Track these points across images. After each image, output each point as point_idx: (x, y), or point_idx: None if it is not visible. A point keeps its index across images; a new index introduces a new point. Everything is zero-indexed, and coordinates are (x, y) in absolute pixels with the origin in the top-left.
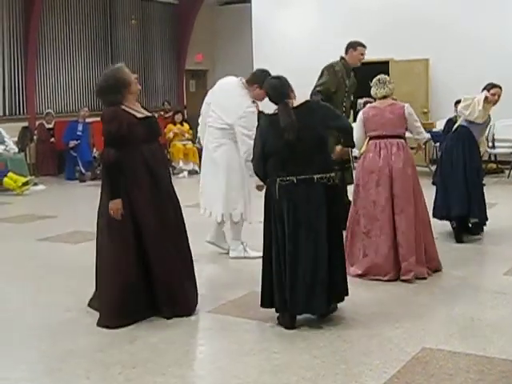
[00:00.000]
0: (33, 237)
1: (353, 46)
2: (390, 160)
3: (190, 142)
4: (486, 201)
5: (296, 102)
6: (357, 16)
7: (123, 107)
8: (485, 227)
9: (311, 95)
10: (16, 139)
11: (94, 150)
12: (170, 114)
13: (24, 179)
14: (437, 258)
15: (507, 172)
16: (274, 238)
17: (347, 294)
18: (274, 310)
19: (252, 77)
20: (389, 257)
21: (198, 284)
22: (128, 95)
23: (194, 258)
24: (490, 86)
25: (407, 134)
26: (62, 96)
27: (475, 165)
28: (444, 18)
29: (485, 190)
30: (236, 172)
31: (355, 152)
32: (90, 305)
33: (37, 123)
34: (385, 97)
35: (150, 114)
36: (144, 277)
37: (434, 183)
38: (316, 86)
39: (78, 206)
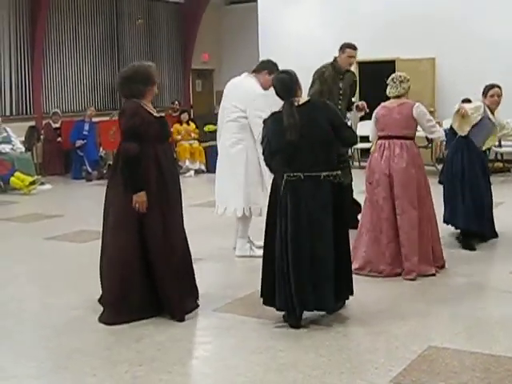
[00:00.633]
0: (40, 236)
1: (342, 47)
2: (392, 161)
3: (196, 142)
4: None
5: (302, 100)
6: (363, 15)
7: (142, 104)
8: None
9: None
10: (23, 139)
11: (101, 149)
12: (178, 113)
13: (31, 178)
14: (441, 255)
15: None
16: (278, 234)
17: (352, 293)
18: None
19: (260, 64)
20: (384, 254)
21: (204, 283)
22: (149, 93)
23: (200, 257)
24: (487, 89)
25: (419, 133)
26: (68, 96)
27: (474, 175)
28: (450, 17)
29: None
30: (255, 167)
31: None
32: (99, 301)
33: (43, 123)
34: (398, 96)
35: (163, 115)
36: (146, 275)
37: (440, 182)
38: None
39: (85, 205)
